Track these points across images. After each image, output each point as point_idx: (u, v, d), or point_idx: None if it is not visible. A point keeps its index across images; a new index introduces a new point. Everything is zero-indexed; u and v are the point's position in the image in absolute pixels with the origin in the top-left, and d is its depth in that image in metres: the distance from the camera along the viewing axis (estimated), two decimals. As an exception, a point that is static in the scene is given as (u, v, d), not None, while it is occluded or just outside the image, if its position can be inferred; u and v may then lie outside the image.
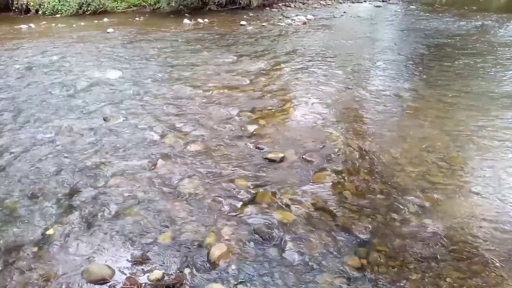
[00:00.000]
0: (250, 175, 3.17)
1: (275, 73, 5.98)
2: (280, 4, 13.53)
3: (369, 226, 2.56)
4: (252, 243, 2.42)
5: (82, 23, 10.70)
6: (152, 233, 2.53)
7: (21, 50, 7.49)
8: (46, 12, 12.15)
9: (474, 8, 11.91)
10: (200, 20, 10.78)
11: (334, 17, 11.51)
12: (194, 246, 2.41)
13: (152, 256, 2.33)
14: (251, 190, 2.97)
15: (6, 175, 3.20)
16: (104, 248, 2.40)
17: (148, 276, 2.18)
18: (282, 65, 6.34)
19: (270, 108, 4.57)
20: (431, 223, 2.57)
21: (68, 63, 6.60)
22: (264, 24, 10.31)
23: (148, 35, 8.89)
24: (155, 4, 12.88)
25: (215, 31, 9.41)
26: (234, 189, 2.99)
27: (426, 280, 2.13)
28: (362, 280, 2.14)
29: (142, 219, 2.66)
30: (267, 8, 13.09)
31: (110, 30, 9.45)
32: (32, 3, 12.24)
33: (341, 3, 14.15)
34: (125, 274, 2.21)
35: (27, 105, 4.73)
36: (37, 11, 12.30)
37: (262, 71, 6.02)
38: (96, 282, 2.15)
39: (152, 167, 3.31)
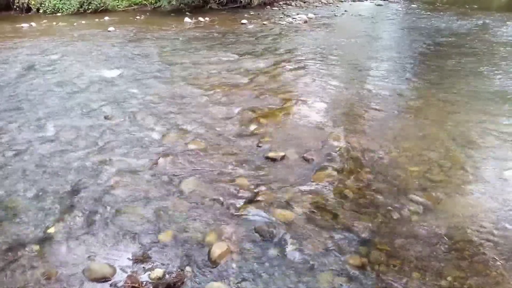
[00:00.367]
0: (251, 174, 3.17)
1: (276, 71, 5.97)
2: (281, 3, 13.52)
3: (370, 225, 2.56)
4: (253, 242, 2.43)
5: (83, 22, 10.70)
6: (153, 231, 2.53)
7: (22, 49, 7.50)
8: (47, 10, 12.16)
9: (475, 6, 11.88)
10: (201, 18, 10.77)
11: (335, 15, 11.49)
12: (195, 245, 2.41)
13: (153, 255, 2.34)
14: (252, 189, 2.98)
15: (7, 173, 3.21)
16: (105, 247, 2.41)
17: (149, 274, 2.19)
18: (283, 64, 6.34)
19: (271, 107, 4.57)
20: (432, 222, 2.57)
21: (69, 61, 6.60)
22: (265, 22, 10.30)
23: (149, 34, 8.89)
24: (156, 2, 12.88)
25: (216, 30, 9.40)
26: (235, 187, 2.99)
27: (427, 278, 2.13)
28: (363, 279, 2.14)
29: (143, 218, 2.66)
30: (268, 6, 13.08)
31: (111, 28, 9.45)
32: (33, 2, 12.24)
33: (342, 1, 14.13)
34: (126, 273, 2.21)
35: (28, 103, 4.73)
36: (38, 10, 12.30)
37: (263, 70, 6.01)
38: (97, 280, 2.15)
39: (153, 166, 3.31)
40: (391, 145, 3.62)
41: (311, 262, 2.26)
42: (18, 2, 12.24)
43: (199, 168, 3.27)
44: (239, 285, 2.11)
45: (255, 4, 12.97)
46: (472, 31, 8.72)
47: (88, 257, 2.32)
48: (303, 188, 2.98)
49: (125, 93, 5.07)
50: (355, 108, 4.51)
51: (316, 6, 13.24)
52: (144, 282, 2.13)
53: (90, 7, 12.23)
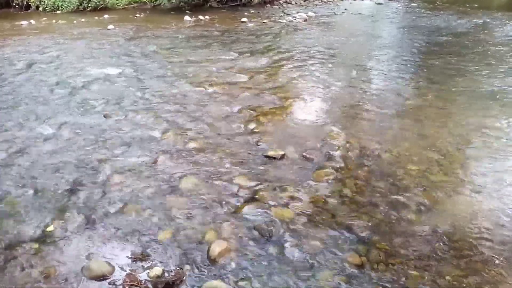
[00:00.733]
0: (250, 173, 3.17)
1: (276, 70, 5.96)
2: (281, 1, 13.49)
3: (369, 223, 2.57)
4: (252, 240, 2.43)
5: (83, 20, 10.68)
6: (152, 230, 2.53)
7: (22, 47, 7.48)
8: (47, 8, 12.13)
9: (476, 5, 11.87)
10: (200, 17, 10.75)
11: (335, 14, 11.48)
12: (194, 243, 2.41)
13: (152, 253, 2.34)
14: (251, 187, 2.97)
15: (6, 171, 3.20)
16: (104, 245, 2.41)
17: (148, 272, 2.19)
18: (283, 62, 6.33)
19: (271, 105, 4.56)
20: (431, 221, 2.57)
21: (69, 59, 6.59)
22: (265, 21, 10.28)
23: (148, 32, 8.87)
24: (155, 0, 12.85)
25: (216, 28, 9.38)
26: (234, 186, 2.99)
27: (426, 277, 2.14)
28: (362, 278, 2.14)
29: (142, 216, 2.66)
30: (268, 5, 13.05)
31: (110, 26, 9.43)
32: (32, 0, 12.21)
33: (342, 0, 14.10)
34: (125, 271, 2.21)
35: (27, 101, 4.72)
36: (37, 7, 12.27)
37: (263, 69, 6.01)
38: (96, 278, 2.15)
39: (153, 164, 3.31)
40: (390, 144, 3.62)
41: (310, 261, 2.26)
42: (17, 0, 12.21)
43: (199, 167, 3.27)
44: (238, 283, 2.11)
45: (255, 2, 12.95)
46: (472, 30, 8.71)
47: (87, 255, 2.32)
48: (302, 186, 2.98)
49: (124, 91, 5.06)
50: (355, 107, 4.50)
51: (316, 5, 13.22)
52: (143, 281, 2.13)
53: (89, 5, 12.20)
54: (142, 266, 2.25)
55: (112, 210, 2.72)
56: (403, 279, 2.13)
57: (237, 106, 4.51)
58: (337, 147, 3.57)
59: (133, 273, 2.19)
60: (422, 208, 2.71)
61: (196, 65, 6.23)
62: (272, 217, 2.63)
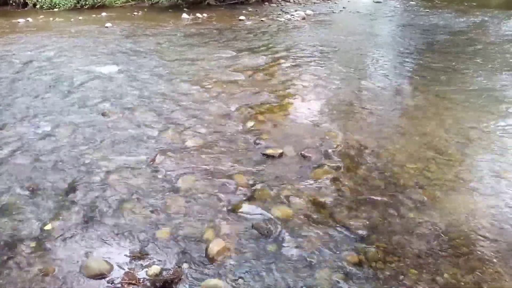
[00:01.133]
0: (249, 171, 3.17)
1: (274, 68, 5.96)
2: (279, -1, 13.48)
3: (367, 222, 2.57)
4: (250, 239, 2.43)
5: (80, 18, 10.65)
6: (150, 228, 2.53)
7: (19, 45, 7.45)
8: (44, 6, 12.08)
9: (474, 4, 11.89)
10: (198, 14, 10.73)
11: (334, 12, 11.48)
12: (193, 242, 2.41)
13: (151, 252, 2.34)
14: (249, 185, 2.98)
15: (4, 169, 3.19)
16: (102, 243, 2.40)
17: (146, 271, 2.19)
18: (281, 61, 6.32)
19: (269, 103, 4.56)
20: (429, 219, 2.58)
21: (66, 57, 6.56)
22: (263, 19, 10.27)
23: (146, 30, 8.85)
24: (153, -2, 12.81)
25: (213, 26, 9.37)
26: (232, 184, 2.99)
27: (424, 275, 2.14)
28: (360, 276, 2.15)
29: (140, 214, 2.66)
30: (266, 3, 13.04)
31: (108, 24, 9.40)
32: (29, -3, 12.15)
33: (340, -2, 14.09)
34: (124, 269, 2.21)
35: (24, 100, 4.70)
36: (34, 5, 12.22)
37: (261, 67, 6.00)
38: (94, 277, 2.15)
39: (151, 163, 3.31)
40: (389, 142, 3.63)
41: (309, 259, 2.26)
42: (14, -3, 12.16)
43: (197, 165, 3.26)
44: (237, 282, 2.12)
45: (253, 0, 12.93)
46: (470, 28, 8.73)
47: (85, 253, 2.32)
48: (300, 185, 2.98)
49: (122, 89, 5.05)
50: (353, 105, 4.51)
51: (314, 3, 13.21)
52: (141, 279, 2.13)
53: (87, 2, 12.15)
54: (141, 264, 2.24)
55: (110, 209, 2.72)
56: (401, 277, 2.14)
57: (235, 105, 4.50)
58: (335, 146, 3.57)
59: (132, 272, 2.19)
60: (420, 206, 2.72)
61: (194, 63, 6.22)
62: (271, 215, 2.63)
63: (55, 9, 11.99)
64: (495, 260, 2.24)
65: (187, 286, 2.10)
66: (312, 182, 3.02)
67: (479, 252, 2.30)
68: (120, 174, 3.13)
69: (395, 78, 5.51)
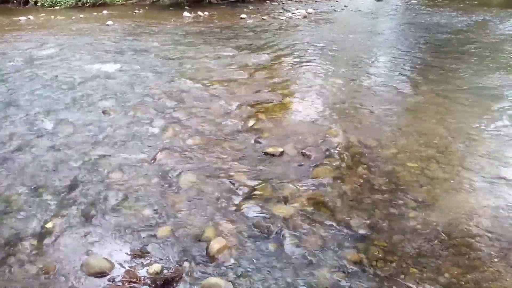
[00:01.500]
0: (250, 169, 3.17)
1: (275, 67, 5.95)
2: (280, -3, 13.45)
3: (368, 221, 2.57)
4: (251, 237, 2.43)
5: (81, 16, 10.64)
6: (151, 226, 2.53)
7: (20, 43, 7.45)
8: (45, 4, 12.08)
9: (475, 2, 11.86)
10: (200, 13, 10.72)
11: (335, 10, 11.45)
12: (193, 240, 2.41)
13: (151, 250, 2.34)
14: (250, 184, 2.98)
15: (5, 167, 3.20)
16: (103, 242, 2.41)
17: (147, 269, 2.19)
18: (282, 59, 6.32)
19: (270, 102, 4.56)
20: (430, 218, 2.58)
21: (67, 55, 6.57)
22: (264, 17, 10.26)
23: (147, 28, 8.85)
24: (154, -4, 12.81)
25: (215, 24, 9.36)
26: (233, 183, 2.99)
27: (424, 275, 2.14)
28: (361, 275, 2.15)
29: (141, 213, 2.66)
30: (268, 1, 13.02)
31: (109, 22, 9.40)
32: (31, -5, 12.16)
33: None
34: (124, 267, 2.21)
35: (26, 97, 4.71)
36: (35, 3, 12.22)
37: (262, 65, 6.00)
38: (95, 275, 2.15)
39: (152, 161, 3.31)
40: (390, 141, 3.62)
41: (309, 258, 2.26)
42: (15, -5, 12.17)
43: (198, 163, 3.27)
44: (237, 280, 2.12)
45: (255, -2, 12.92)
46: (472, 27, 8.70)
47: (86, 252, 2.32)
48: (301, 183, 2.98)
49: (123, 87, 5.05)
50: (354, 104, 4.50)
51: (316, 1, 13.18)
52: (142, 277, 2.14)
53: (88, 0, 12.16)
54: (141, 262, 2.25)
55: (111, 207, 2.72)
56: (402, 276, 2.14)
57: (236, 103, 4.50)
58: (336, 144, 3.57)
59: (132, 270, 2.19)
60: (421, 205, 2.72)
61: (195, 61, 6.22)
62: (271, 214, 2.63)
63: (56, 7, 11.99)
64: (495, 259, 2.23)
65: (187, 284, 2.10)
66: (312, 180, 3.02)
67: (480, 251, 2.30)
68: (121, 172, 3.13)
69: (396, 76, 5.50)
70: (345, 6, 12.13)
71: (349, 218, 2.59)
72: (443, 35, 7.95)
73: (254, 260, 2.25)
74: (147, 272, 2.17)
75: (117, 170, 3.16)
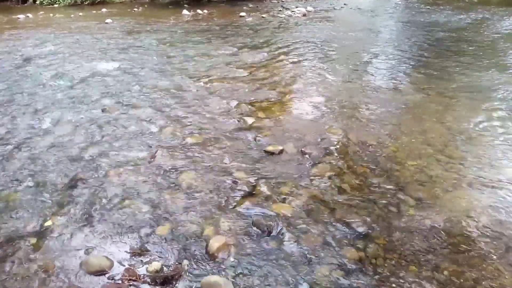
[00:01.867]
0: (249, 168, 3.17)
1: (274, 65, 5.95)
2: (280, -4, 13.43)
3: (368, 219, 2.57)
4: (250, 236, 2.43)
5: (80, 14, 10.62)
6: (150, 225, 2.53)
7: (19, 41, 7.43)
8: (44, 2, 12.05)
9: (475, 1, 11.85)
10: (199, 11, 10.71)
11: (334, 9, 11.44)
12: (193, 238, 2.41)
13: (151, 248, 2.34)
14: (250, 182, 2.97)
15: (4, 165, 3.19)
16: (102, 240, 2.41)
17: (147, 267, 2.19)
18: (282, 57, 6.31)
19: (269, 100, 4.56)
20: (429, 216, 2.58)
21: (66, 54, 6.55)
22: (264, 15, 10.24)
23: (146, 26, 8.83)
24: (153, -6, 12.79)
25: (214, 23, 9.34)
26: (232, 181, 2.99)
27: (424, 272, 2.14)
28: (360, 272, 2.15)
29: (141, 211, 2.66)
30: (267, -1, 13.01)
31: (108, 20, 9.38)
32: (29, -7, 12.13)
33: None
34: (124, 266, 2.21)
35: (25, 95, 4.70)
36: (34, 1, 12.20)
37: (261, 63, 5.99)
38: (95, 273, 2.15)
39: (151, 159, 3.31)
40: (389, 139, 3.62)
41: (309, 256, 2.26)
42: (14, -7, 12.13)
43: (197, 162, 3.26)
44: (237, 278, 2.12)
45: (254, -4, 12.90)
46: (471, 26, 8.70)
47: (86, 250, 2.32)
48: (301, 182, 2.98)
49: (122, 85, 5.04)
50: (354, 102, 4.50)
51: (315, -1, 13.17)
52: (142, 275, 2.14)
53: (87, -2, 12.14)
54: (141, 261, 2.25)
55: (110, 205, 2.72)
56: (401, 274, 2.14)
57: (236, 101, 4.50)
58: (336, 142, 3.57)
59: (132, 268, 2.19)
60: (421, 203, 2.72)
61: (194, 59, 6.21)
62: (271, 212, 2.63)
63: (55, 5, 11.97)
64: (494, 257, 2.24)
65: (187, 282, 2.10)
66: (312, 178, 3.02)
67: (479, 249, 2.30)
68: (120, 170, 3.13)
69: (395, 75, 5.50)
70: (344, 4, 12.12)
71: (348, 216, 2.59)
72: (442, 33, 7.95)
73: (254, 258, 2.25)
74: (146, 270, 2.17)
75: (117, 168, 3.16)
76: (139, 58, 6.28)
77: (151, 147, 3.50)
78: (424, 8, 11.14)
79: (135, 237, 2.42)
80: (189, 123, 3.96)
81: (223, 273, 2.15)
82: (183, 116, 4.13)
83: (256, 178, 3.03)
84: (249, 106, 4.37)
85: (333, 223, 2.53)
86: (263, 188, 2.89)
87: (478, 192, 2.84)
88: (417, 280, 2.10)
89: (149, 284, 2.09)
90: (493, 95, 4.64)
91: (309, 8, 10.97)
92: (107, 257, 2.25)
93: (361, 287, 2.06)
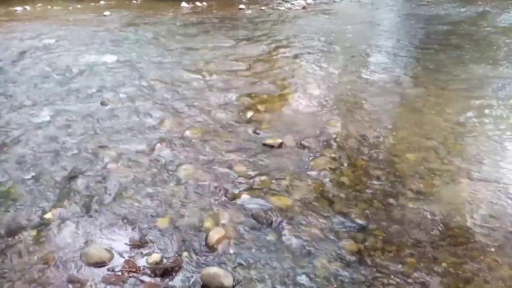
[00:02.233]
0: (249, 161, 3.17)
1: (274, 58, 5.93)
2: (279, -12, 13.33)
3: (367, 211, 2.58)
4: (250, 228, 2.44)
5: (79, 6, 10.54)
6: (150, 217, 2.54)
7: (16, 33, 7.38)
8: (42, -6, 11.94)
9: (476, -7, 11.77)
10: (198, 3, 10.63)
11: (334, 1, 11.36)
12: (193, 230, 2.42)
13: (151, 240, 2.35)
14: (249, 175, 2.98)
15: (2, 158, 3.19)
16: (102, 232, 2.41)
17: (146, 259, 2.20)
18: (281, 50, 6.28)
19: (269, 93, 4.54)
20: (428, 209, 2.59)
21: (65, 46, 6.51)
22: (263, 8, 10.18)
23: (145, 19, 8.77)
24: (152, -14, 12.66)
25: (213, 15, 9.28)
26: (232, 174, 2.99)
27: (422, 264, 2.15)
28: (359, 264, 2.16)
29: (140, 203, 2.66)
30: (266, -9, 12.89)
31: (106, 13, 9.31)
32: (27, -15, 12.01)
33: (341, -13, 13.93)
34: (124, 257, 2.22)
35: (23, 88, 4.68)
36: (32, -7, 12.09)
37: (261, 56, 5.97)
38: (95, 265, 2.16)
39: (150, 152, 3.30)
40: (389, 132, 3.62)
41: (308, 248, 2.27)
42: (11, -15, 12.01)
43: (196, 155, 3.26)
44: (236, 269, 2.13)
45: (253, -11, 12.79)
46: (472, 18, 8.65)
47: (86, 242, 2.33)
48: (300, 175, 2.98)
49: (121, 78, 5.02)
50: (353, 96, 4.49)
51: (315, -8, 13.06)
52: (142, 267, 2.14)
53: (85, -10, 12.02)
54: (141, 252, 2.25)
55: (110, 197, 2.72)
56: (400, 266, 2.15)
57: (235, 94, 4.48)
58: (335, 136, 3.56)
59: (132, 260, 2.20)
60: (419, 195, 2.73)
61: (193, 52, 6.18)
62: (270, 205, 2.64)
63: (53, -3, 11.86)
64: (493, 250, 2.25)
65: (187, 274, 2.11)
66: (311, 171, 3.03)
67: (478, 242, 2.31)
68: (119, 163, 3.13)
69: (395, 68, 5.48)
70: (344, -4, 12.03)
71: (347, 209, 2.60)
72: (443, 26, 7.91)
73: (253, 250, 2.26)
74: (146, 262, 2.18)
75: (116, 161, 3.16)
76: (138, 51, 6.25)
77: (150, 139, 3.50)
78: (425, 0, 11.06)
79: (134, 229, 2.43)
80: (188, 116, 3.96)
81: (223, 264, 2.16)
82: (182, 109, 4.12)
83: (255, 171, 3.03)
84: (249, 99, 4.36)
85: (332, 216, 2.54)
86: (263, 181, 2.90)
87: (477, 184, 2.85)
88: (415, 272, 2.11)
89: (149, 276, 2.09)
90: (493, 88, 4.63)
91: (309, 1, 10.89)
92: (107, 249, 2.26)
93: (360, 279, 2.07)
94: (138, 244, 2.31)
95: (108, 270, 2.14)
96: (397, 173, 2.99)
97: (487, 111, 4.00)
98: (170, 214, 2.56)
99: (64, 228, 2.44)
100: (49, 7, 10.43)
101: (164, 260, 2.19)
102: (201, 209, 2.61)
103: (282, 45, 6.58)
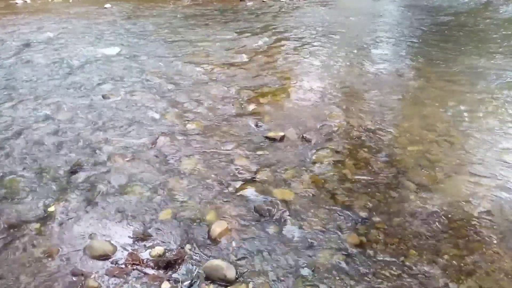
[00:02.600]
0: (250, 154, 3.17)
1: (275, 50, 5.89)
2: (280, -21, 13.21)
3: (369, 204, 2.58)
4: (252, 221, 2.45)
5: (79, -2, 10.47)
6: (153, 210, 2.55)
7: (17, 26, 7.35)
8: (42, -14, 11.87)
9: (479, -16, 11.64)
10: (199, -5, 10.54)
11: (336, -7, 11.25)
12: (195, 223, 2.43)
13: (154, 233, 2.36)
14: (251, 168, 2.98)
15: (5, 152, 3.20)
16: (105, 225, 2.43)
17: (149, 252, 2.21)
18: (283, 42, 6.25)
19: (270, 86, 4.53)
20: (430, 201, 2.59)
21: (65, 39, 6.49)
22: (264, 0, 10.10)
23: (146, 11, 8.72)
24: (152, -22, 12.57)
25: (214, 7, 9.22)
26: (234, 167, 2.99)
27: (424, 257, 2.16)
28: (361, 257, 2.17)
29: (143, 197, 2.67)
30: (268, -17, 12.78)
31: (107, 5, 9.26)
32: (26, -23, 11.93)
33: (343, -22, 13.80)
34: (127, 250, 2.24)
35: (24, 82, 4.67)
36: (32, -15, 12.01)
37: (262, 48, 5.93)
38: (98, 258, 2.18)
39: (152, 145, 3.31)
40: (391, 124, 3.61)
41: (310, 240, 2.28)
42: (11, -22, 11.94)
43: (198, 148, 3.26)
44: (239, 262, 2.14)
45: (254, -20, 12.68)
46: (474, 10, 8.57)
47: (89, 235, 2.34)
48: (302, 167, 2.98)
49: (123, 71, 5.01)
50: (355, 88, 4.47)
51: (317, -17, 12.95)
52: (145, 260, 2.16)
53: (85, -17, 11.95)
54: (144, 245, 2.27)
55: (113, 191, 2.73)
56: (402, 258, 2.16)
57: (237, 87, 4.47)
58: (337, 128, 3.56)
59: (135, 253, 2.21)
60: (421, 188, 2.73)
61: (194, 44, 6.15)
62: (272, 197, 2.64)
63: (53, -10, 11.80)
64: (495, 242, 2.26)
65: (190, 266, 2.12)
66: (313, 164, 3.03)
67: (479, 234, 2.32)
68: (122, 156, 3.13)
69: (397, 59, 5.45)
70: (346, -12, 11.92)
71: (349, 201, 2.61)
72: (446, 18, 7.84)
73: (255, 243, 2.27)
74: (149, 254, 2.20)
75: (118, 154, 3.16)
76: (139, 43, 6.22)
77: (152, 133, 3.50)
78: (427, -9, 10.95)
79: (137, 222, 2.44)
80: (189, 109, 3.95)
81: (225, 257, 2.17)
82: (183, 102, 4.11)
83: (257, 163, 3.04)
84: (250, 92, 4.34)
85: (334, 208, 2.55)
86: (265, 174, 2.90)
87: (479, 176, 2.85)
88: (417, 264, 2.12)
89: (152, 268, 2.11)
90: (495, 79, 4.60)
91: (311, -8, 10.80)
92: (110, 242, 2.27)
93: (362, 271, 2.08)
94: (141, 237, 2.32)
95: (111, 262, 2.16)
96: (399, 165, 2.99)
97: (489, 102, 3.99)
98: (172, 207, 2.58)
99: (67, 221, 2.45)
100: (50, 0, 10.37)
101: (167, 253, 2.21)
102: (203, 202, 2.62)
103: (283, 37, 6.54)
